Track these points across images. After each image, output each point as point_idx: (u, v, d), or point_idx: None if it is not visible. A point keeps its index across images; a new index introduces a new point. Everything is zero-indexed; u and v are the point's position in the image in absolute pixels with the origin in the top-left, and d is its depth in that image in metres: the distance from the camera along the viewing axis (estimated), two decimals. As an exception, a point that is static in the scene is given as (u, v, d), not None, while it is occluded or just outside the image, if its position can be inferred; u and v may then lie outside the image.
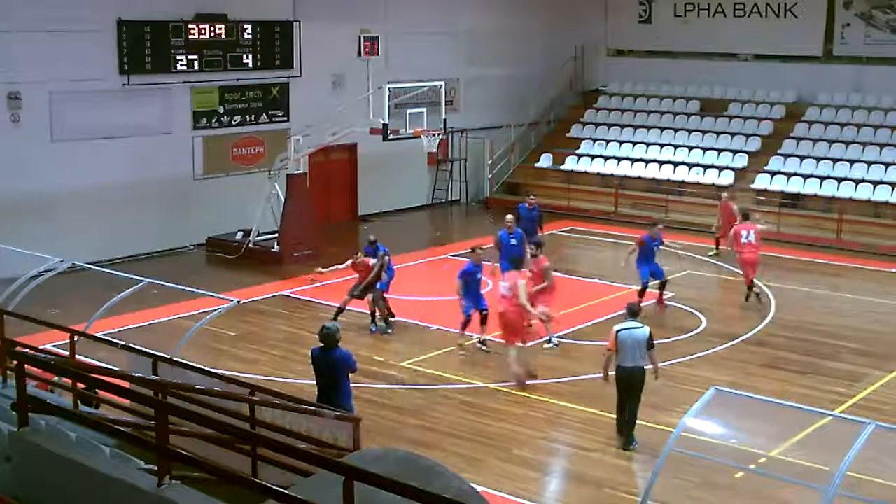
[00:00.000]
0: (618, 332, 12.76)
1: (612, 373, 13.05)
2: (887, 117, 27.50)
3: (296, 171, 22.61)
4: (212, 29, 23.49)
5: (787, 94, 29.59)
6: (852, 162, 26.52)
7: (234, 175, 24.52)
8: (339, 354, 11.56)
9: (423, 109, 21.71)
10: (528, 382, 14.89)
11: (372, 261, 17.18)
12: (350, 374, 11.72)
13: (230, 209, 23.66)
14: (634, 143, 29.69)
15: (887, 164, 26.06)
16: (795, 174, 26.77)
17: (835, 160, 26.77)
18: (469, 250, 17.35)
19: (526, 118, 31.30)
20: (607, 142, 30.08)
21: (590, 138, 30.48)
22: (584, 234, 21.76)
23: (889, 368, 15.86)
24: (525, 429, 13.53)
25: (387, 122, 20.92)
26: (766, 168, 27.33)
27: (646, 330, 12.82)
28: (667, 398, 13.73)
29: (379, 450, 7.83)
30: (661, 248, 18.60)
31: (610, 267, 21.31)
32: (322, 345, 11.54)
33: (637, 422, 13.11)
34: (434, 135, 21.61)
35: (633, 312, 13.08)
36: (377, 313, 17.36)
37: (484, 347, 16.34)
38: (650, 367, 12.98)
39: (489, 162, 30.20)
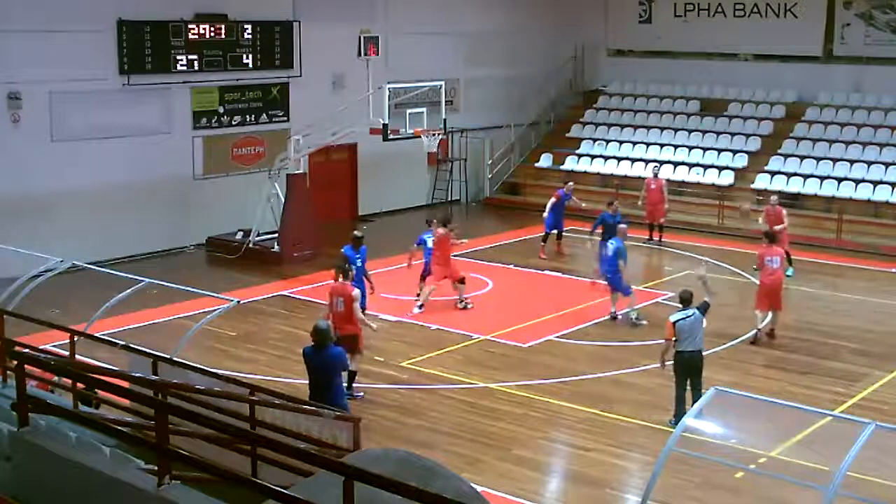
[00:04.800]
0: (675, 322, 13.33)
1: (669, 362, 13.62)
2: (887, 117, 27.48)
3: (296, 171, 22.59)
4: (212, 29, 23.47)
5: (787, 94, 29.57)
6: (852, 162, 26.51)
7: (234, 175, 24.51)
8: (332, 352, 11.59)
9: (423, 109, 21.67)
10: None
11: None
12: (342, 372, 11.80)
13: (230, 209, 23.65)
14: (634, 143, 29.68)
15: (887, 164, 26.05)
16: (795, 174, 26.77)
17: (835, 160, 26.75)
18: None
19: (526, 118, 31.29)
20: (607, 142, 30.07)
21: (590, 138, 30.48)
22: (584, 234, 21.78)
23: (889, 368, 15.85)
24: (525, 429, 13.52)
25: (387, 122, 20.88)
26: (766, 168, 27.33)
27: (698, 314, 13.46)
28: (667, 398, 13.71)
29: (379, 450, 7.83)
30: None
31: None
32: (314, 343, 11.56)
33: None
34: (434, 135, 21.57)
35: (685, 300, 13.61)
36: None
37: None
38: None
39: (489, 162, 30.20)
